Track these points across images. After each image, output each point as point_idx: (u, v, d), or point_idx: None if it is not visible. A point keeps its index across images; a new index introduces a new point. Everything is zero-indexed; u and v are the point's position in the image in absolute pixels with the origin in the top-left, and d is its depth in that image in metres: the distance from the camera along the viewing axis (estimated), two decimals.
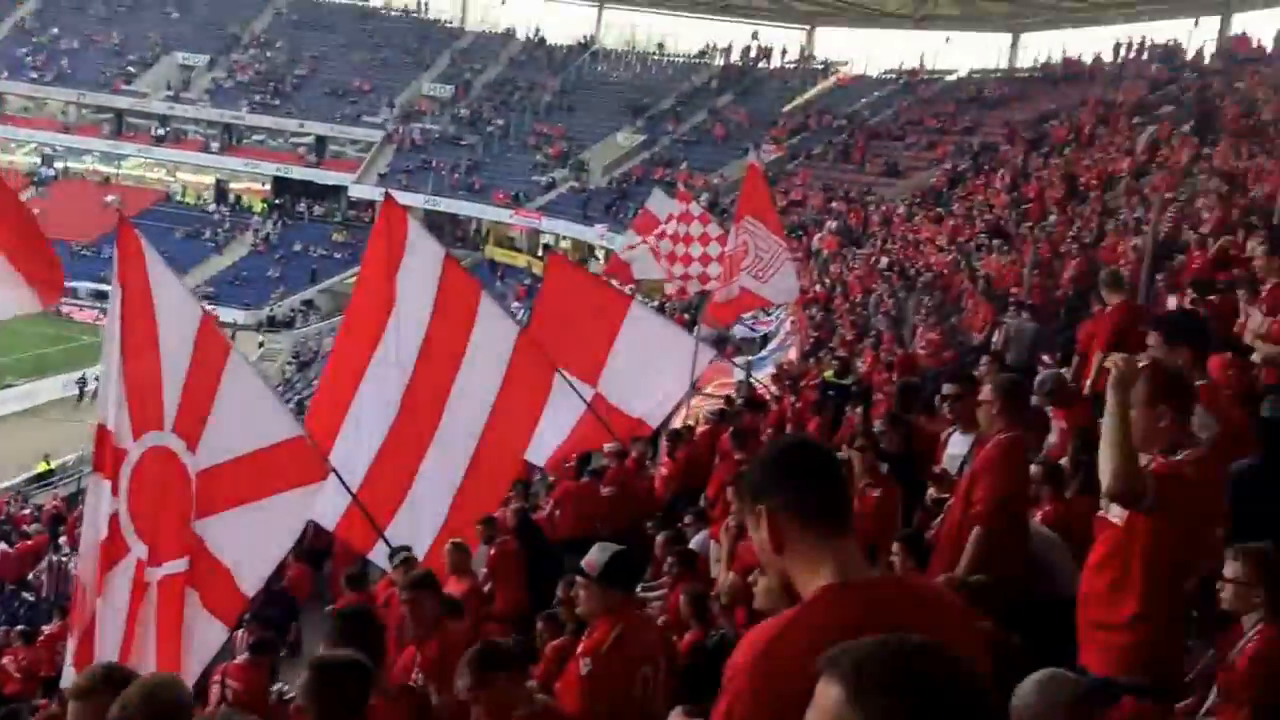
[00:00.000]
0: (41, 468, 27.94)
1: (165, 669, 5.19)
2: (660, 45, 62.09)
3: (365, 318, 7.62)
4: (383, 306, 7.34)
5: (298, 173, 60.79)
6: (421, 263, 7.51)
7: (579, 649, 4.51)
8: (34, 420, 33.96)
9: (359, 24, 66.48)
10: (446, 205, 53.09)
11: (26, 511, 21.29)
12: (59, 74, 63.83)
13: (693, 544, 7.89)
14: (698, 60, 59.48)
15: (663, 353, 11.35)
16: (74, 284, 37.87)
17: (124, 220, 6.12)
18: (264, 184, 63.66)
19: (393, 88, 62.21)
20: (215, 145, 63.04)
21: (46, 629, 12.14)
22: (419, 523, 7.34)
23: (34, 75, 63.55)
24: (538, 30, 64.48)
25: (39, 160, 62.95)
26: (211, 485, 5.45)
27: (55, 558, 16.14)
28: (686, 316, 21.21)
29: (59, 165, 62.59)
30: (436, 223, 47.65)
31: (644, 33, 62.81)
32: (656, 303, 23.99)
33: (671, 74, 59.12)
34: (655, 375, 11.11)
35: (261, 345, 43.71)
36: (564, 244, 50.18)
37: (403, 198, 7.62)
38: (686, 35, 60.48)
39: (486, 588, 8.45)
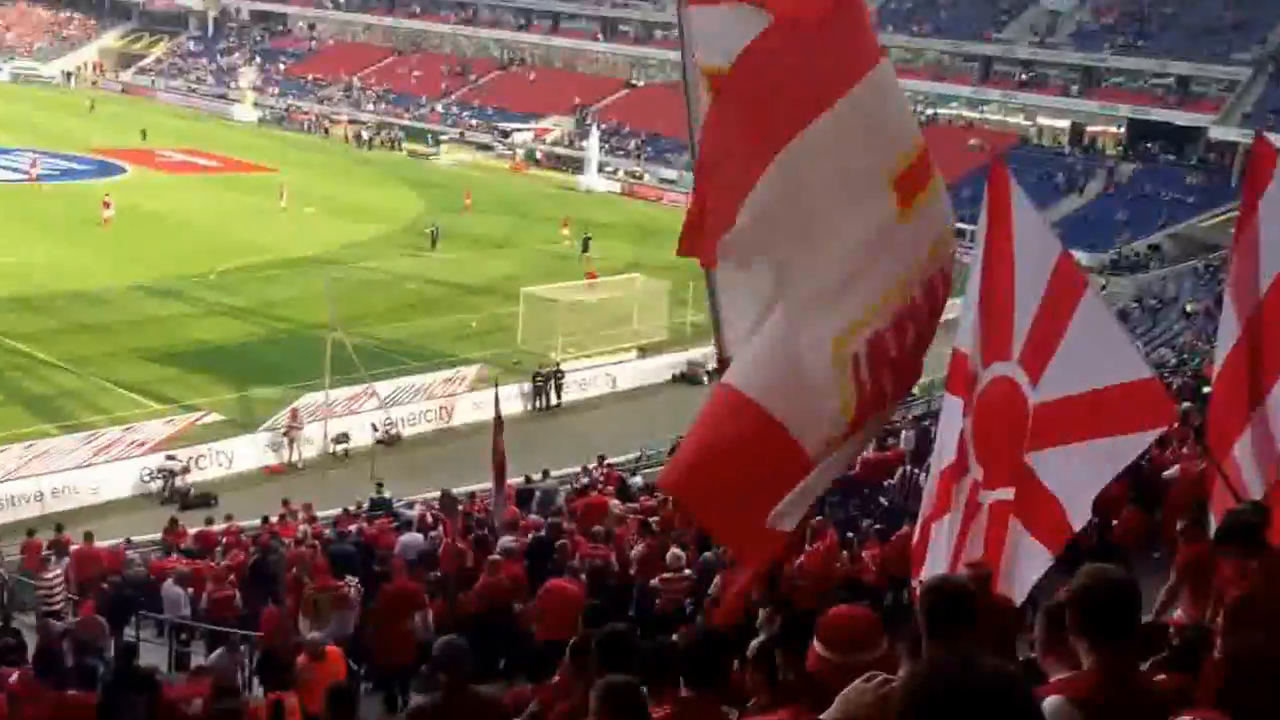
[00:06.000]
0: None
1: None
2: None
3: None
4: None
5: (1155, 114, 58.61)
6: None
7: None
8: None
9: None
10: None
11: None
12: (936, 25, 67.80)
13: None
14: None
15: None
16: None
17: (997, 161, 6.27)
18: (1119, 126, 62.36)
19: (1264, 21, 56.41)
20: (1074, 88, 62.60)
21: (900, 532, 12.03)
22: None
23: (914, 28, 68.18)
24: None
25: None
26: (1049, 419, 5.36)
27: (910, 468, 16.72)
28: None
29: (926, 112, 65.62)
30: None
31: None
32: None
33: None
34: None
35: (1104, 288, 42.67)
36: None
37: (1275, 139, 6.33)
38: None
39: None
